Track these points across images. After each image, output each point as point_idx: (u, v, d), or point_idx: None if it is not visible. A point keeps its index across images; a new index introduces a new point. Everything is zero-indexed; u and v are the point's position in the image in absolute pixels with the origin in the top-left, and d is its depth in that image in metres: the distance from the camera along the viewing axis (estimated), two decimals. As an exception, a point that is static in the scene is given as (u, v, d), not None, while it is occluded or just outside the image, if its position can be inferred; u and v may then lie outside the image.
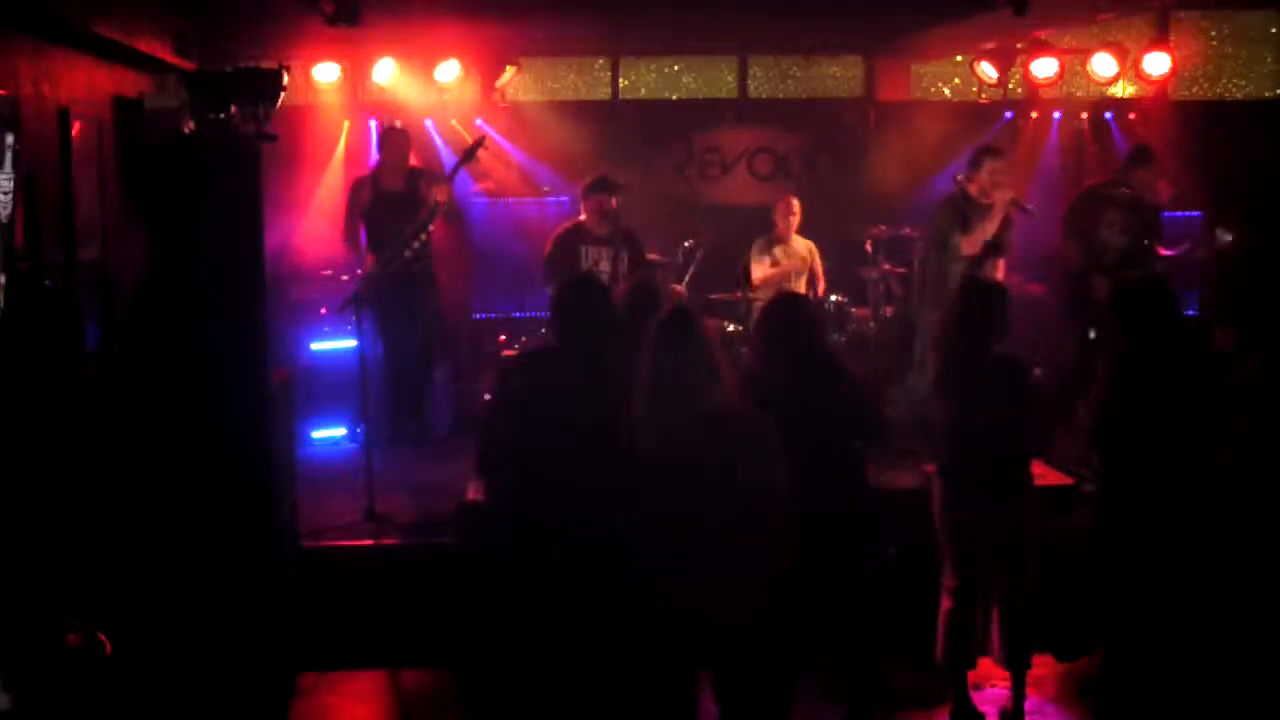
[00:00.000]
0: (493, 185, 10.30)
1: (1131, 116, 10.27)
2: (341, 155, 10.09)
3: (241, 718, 5.37)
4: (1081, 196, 8.16)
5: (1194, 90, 11.44)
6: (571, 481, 4.31)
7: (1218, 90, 11.81)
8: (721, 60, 11.43)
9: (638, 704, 4.28)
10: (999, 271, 7.64)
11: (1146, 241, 7.98)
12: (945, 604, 5.34)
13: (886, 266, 8.79)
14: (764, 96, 11.51)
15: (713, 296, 8.81)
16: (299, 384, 7.36)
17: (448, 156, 9.93)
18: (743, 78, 11.31)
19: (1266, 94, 11.69)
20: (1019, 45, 10.25)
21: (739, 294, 8.94)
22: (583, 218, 7.74)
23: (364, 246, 8.14)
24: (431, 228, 7.57)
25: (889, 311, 8.80)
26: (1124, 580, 4.86)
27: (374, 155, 8.74)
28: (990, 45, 10.26)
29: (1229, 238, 8.89)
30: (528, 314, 9.65)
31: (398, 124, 8.76)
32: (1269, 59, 11.75)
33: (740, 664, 4.19)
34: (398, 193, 7.91)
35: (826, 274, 9.04)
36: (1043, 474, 5.89)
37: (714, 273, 8.80)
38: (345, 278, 8.66)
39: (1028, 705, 5.32)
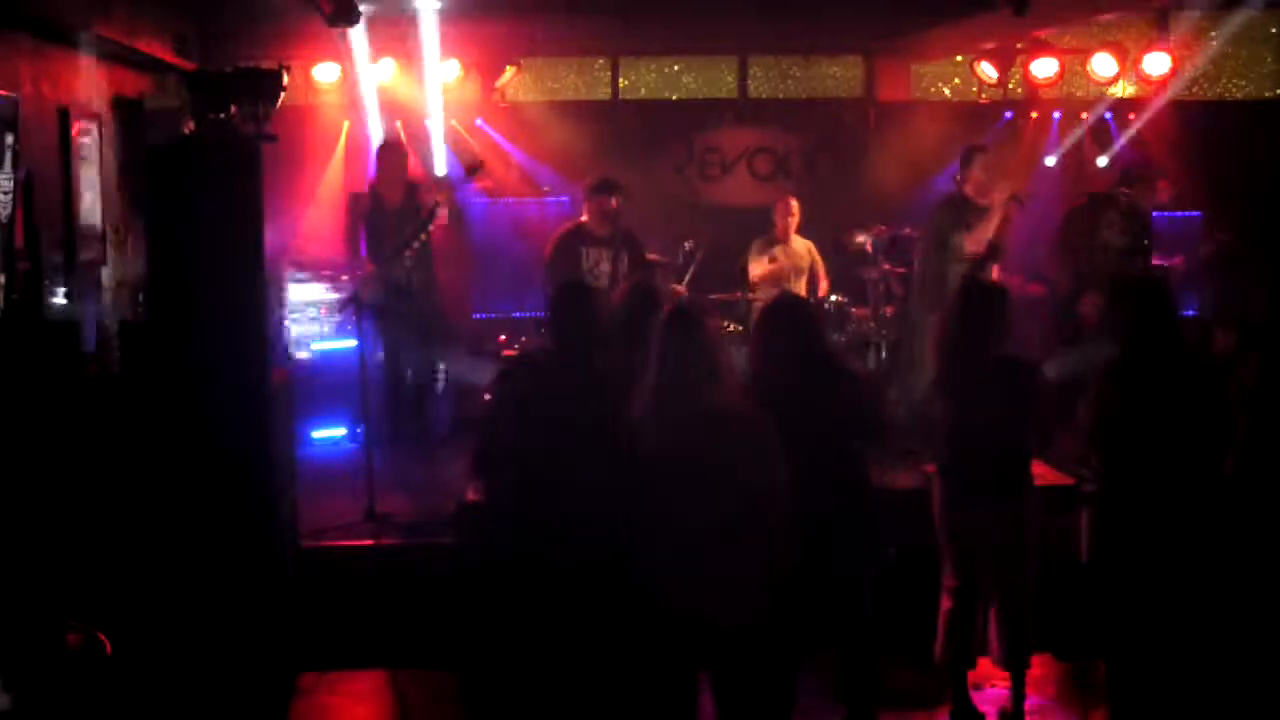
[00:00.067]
0: (493, 185, 10.30)
1: (1132, 116, 10.26)
2: (341, 155, 10.09)
3: (241, 718, 5.37)
4: (1077, 208, 8.20)
5: (1194, 90, 11.43)
6: (571, 481, 4.31)
7: (1218, 90, 11.81)
8: (721, 60, 11.42)
9: (638, 704, 4.28)
10: (994, 273, 7.66)
11: (1146, 242, 8.00)
12: (945, 604, 5.34)
13: (886, 266, 8.79)
14: (764, 96, 11.51)
15: (713, 296, 8.81)
16: (299, 384, 7.37)
17: (449, 158, 9.94)
18: (743, 78, 11.31)
19: (1266, 94, 11.69)
20: (1019, 45, 10.26)
21: (739, 294, 8.95)
22: (584, 218, 7.74)
23: (365, 259, 8.11)
24: (432, 228, 7.54)
25: (889, 311, 8.80)
26: (1124, 580, 4.86)
27: (371, 170, 8.65)
28: (990, 45, 10.27)
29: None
30: (528, 314, 9.65)
31: (399, 125, 8.78)
32: (1269, 59, 11.75)
33: (740, 664, 4.18)
34: (397, 206, 7.85)
35: (827, 274, 9.05)
36: (1043, 474, 5.89)
37: (714, 273, 8.80)
38: (345, 278, 8.66)
39: (1028, 705, 5.32)
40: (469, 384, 8.15)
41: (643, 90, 11.62)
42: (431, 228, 7.73)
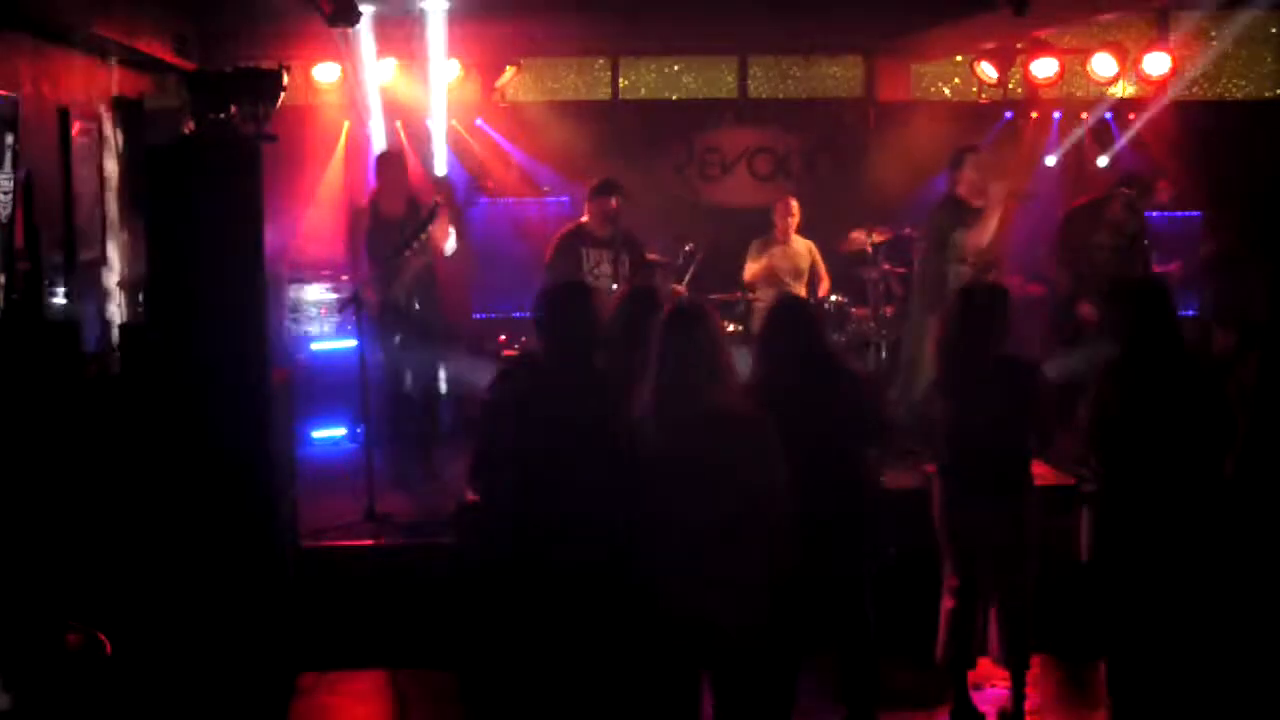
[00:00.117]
0: (492, 185, 10.30)
1: (1132, 116, 10.26)
2: (341, 155, 10.08)
3: (241, 718, 5.37)
4: (1076, 208, 8.20)
5: (1194, 90, 11.43)
6: (571, 482, 4.30)
7: (1218, 90, 11.81)
8: (721, 60, 11.42)
9: (638, 704, 4.28)
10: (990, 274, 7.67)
11: (1146, 242, 8.01)
12: (947, 603, 5.34)
13: (886, 266, 8.79)
14: (764, 96, 11.50)
15: (713, 296, 8.81)
16: (299, 384, 7.37)
17: (450, 159, 9.94)
18: (743, 78, 11.31)
19: (1266, 94, 11.69)
20: (1019, 45, 10.26)
21: (738, 294, 8.96)
22: (585, 219, 7.74)
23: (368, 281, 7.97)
24: (432, 227, 7.50)
25: (889, 311, 8.80)
26: (1124, 580, 4.86)
27: (371, 180, 8.55)
28: (990, 45, 10.26)
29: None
30: (528, 314, 9.61)
31: (399, 126, 8.76)
32: (1269, 59, 11.75)
33: (740, 664, 4.18)
34: (398, 219, 7.62)
35: (827, 274, 9.05)
36: (1043, 474, 5.89)
37: (714, 273, 8.80)
38: (345, 277, 8.65)
39: (1028, 705, 5.32)
40: (469, 384, 8.15)
41: (643, 90, 11.62)
42: (433, 253, 7.62)
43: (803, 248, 8.97)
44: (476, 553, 5.40)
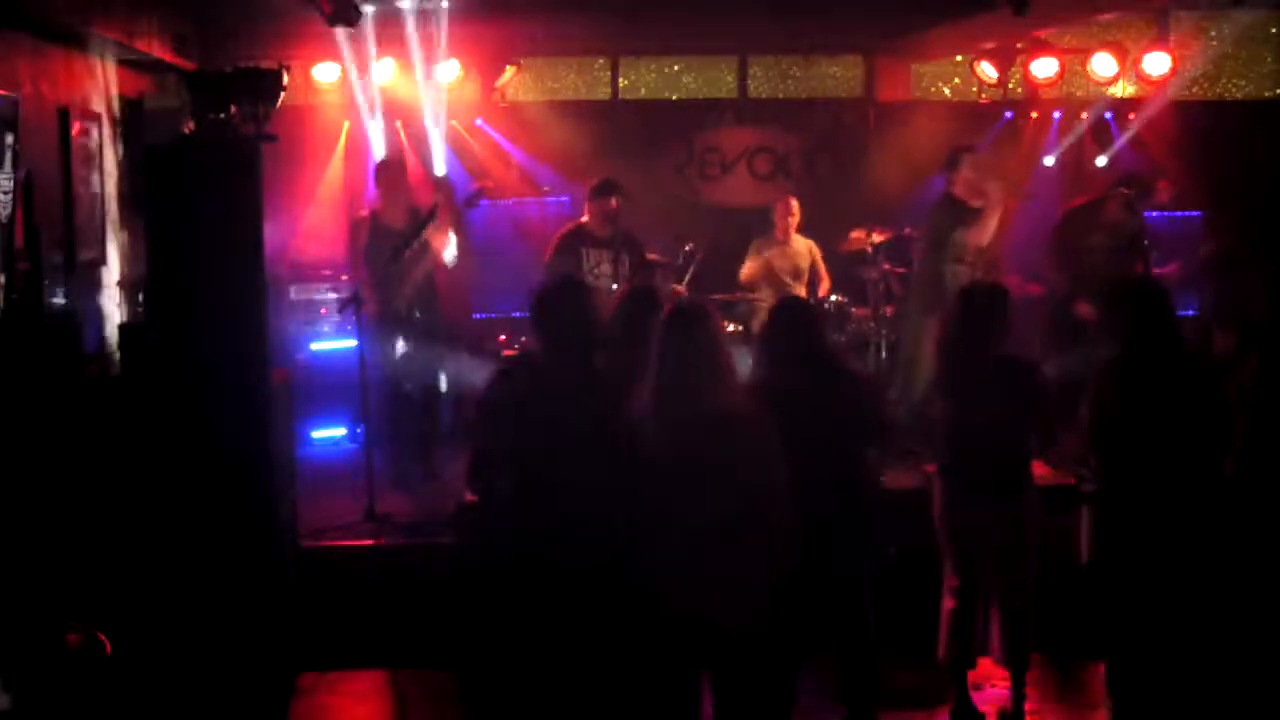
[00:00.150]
0: (492, 185, 10.29)
1: (1132, 116, 10.26)
2: (341, 155, 10.08)
3: (241, 718, 5.38)
4: (1075, 209, 8.20)
5: (1194, 90, 11.43)
6: (571, 482, 4.30)
7: (1218, 90, 11.81)
8: (721, 60, 11.41)
9: (639, 704, 4.28)
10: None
11: (1146, 242, 8.00)
12: (947, 604, 5.34)
13: (886, 266, 8.79)
14: (764, 96, 11.49)
15: (713, 296, 8.81)
16: (299, 384, 7.37)
17: (450, 159, 9.94)
18: (743, 78, 11.30)
19: (1266, 94, 11.69)
20: (1019, 45, 10.25)
21: (738, 294, 8.96)
22: (585, 219, 7.74)
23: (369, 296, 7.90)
24: (431, 235, 7.49)
25: (889, 311, 8.80)
26: (1124, 580, 4.86)
27: (370, 188, 8.49)
28: (990, 45, 10.26)
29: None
30: (528, 314, 9.61)
31: (399, 126, 8.74)
32: (1269, 59, 11.75)
33: (740, 664, 4.18)
34: (399, 230, 7.54)
35: (828, 274, 9.05)
36: (1043, 474, 5.89)
37: (714, 273, 8.80)
38: (345, 277, 8.65)
39: (1028, 705, 5.32)
40: (469, 384, 8.14)
41: (643, 90, 11.62)
42: (432, 262, 7.57)
43: (803, 247, 8.97)
44: (476, 553, 5.41)
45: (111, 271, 8.00)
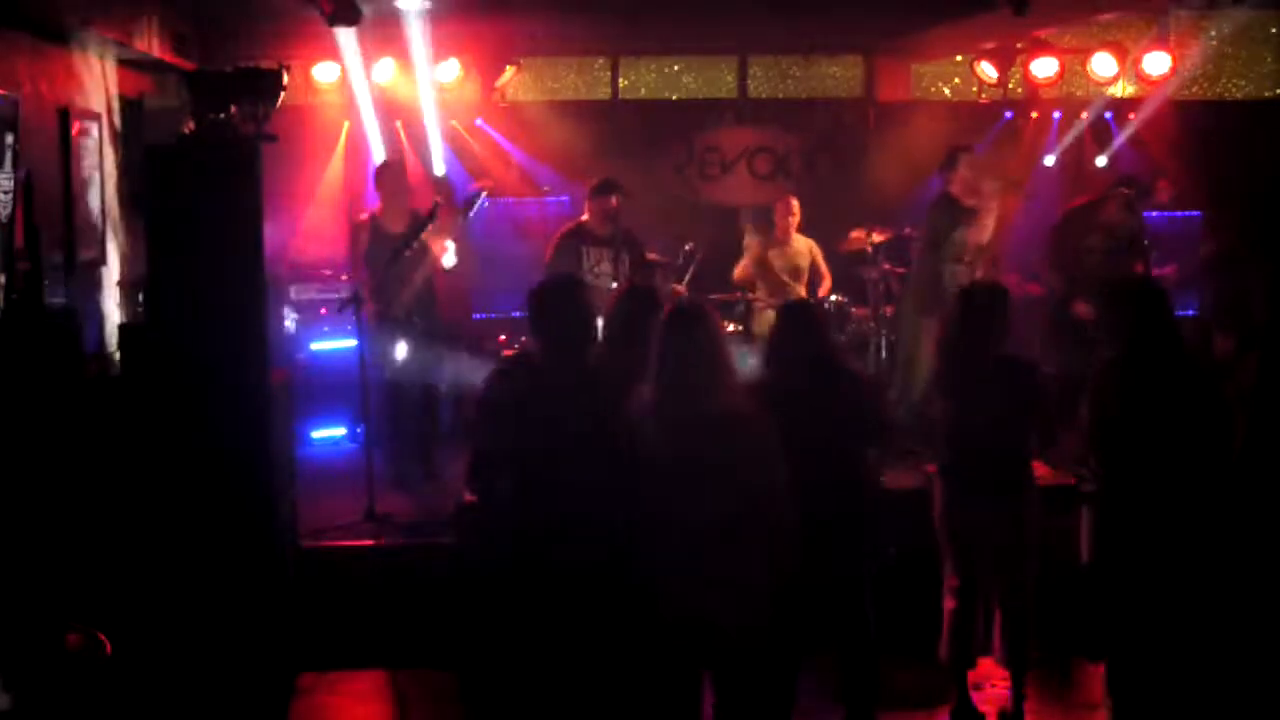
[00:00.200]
0: (492, 184, 10.29)
1: (1132, 116, 10.27)
2: (341, 155, 10.08)
3: (241, 718, 5.37)
4: (1073, 209, 8.20)
5: (1194, 90, 11.43)
6: (571, 482, 4.30)
7: (1218, 90, 11.81)
8: (721, 60, 11.42)
9: (639, 704, 4.28)
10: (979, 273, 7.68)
11: (1146, 243, 8.01)
12: (948, 604, 5.34)
13: (886, 266, 8.79)
14: (764, 96, 11.51)
15: (713, 296, 8.81)
16: (299, 384, 7.37)
17: (450, 159, 9.93)
18: (743, 78, 11.31)
19: (1266, 94, 11.69)
20: (1019, 45, 10.26)
21: (738, 294, 8.96)
22: (585, 218, 7.74)
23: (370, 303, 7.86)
24: (430, 239, 7.47)
25: (889, 311, 8.80)
26: (1124, 580, 4.86)
27: (370, 191, 8.44)
28: (990, 45, 10.26)
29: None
30: (527, 314, 9.60)
31: (399, 126, 8.72)
32: (1269, 59, 11.75)
33: (740, 664, 4.19)
34: (399, 235, 7.46)
35: (828, 274, 9.04)
36: (1043, 474, 5.89)
37: (714, 273, 8.80)
38: (345, 277, 8.64)
39: (1028, 705, 5.32)
40: (469, 384, 8.14)
41: (643, 90, 11.62)
42: (431, 267, 7.55)
43: (803, 247, 8.97)
44: (476, 553, 5.40)
45: (111, 271, 7.99)
